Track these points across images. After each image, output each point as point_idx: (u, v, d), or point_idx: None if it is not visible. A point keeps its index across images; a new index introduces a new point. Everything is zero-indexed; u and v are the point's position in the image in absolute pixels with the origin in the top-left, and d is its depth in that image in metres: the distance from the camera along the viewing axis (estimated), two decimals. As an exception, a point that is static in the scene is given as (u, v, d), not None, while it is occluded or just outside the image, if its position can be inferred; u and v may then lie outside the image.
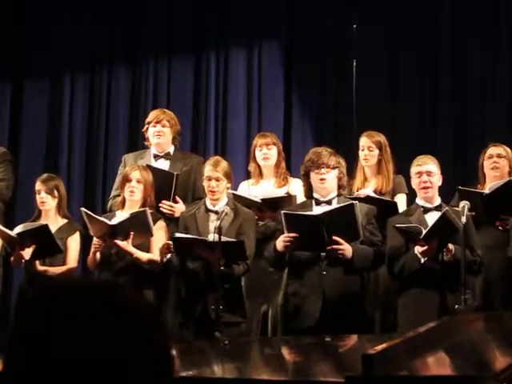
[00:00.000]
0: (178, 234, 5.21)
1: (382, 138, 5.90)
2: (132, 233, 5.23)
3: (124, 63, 8.10)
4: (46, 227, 5.51)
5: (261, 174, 5.97)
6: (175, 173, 5.68)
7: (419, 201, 5.23)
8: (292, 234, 4.86)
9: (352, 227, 4.86)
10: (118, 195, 5.64)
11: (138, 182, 5.42)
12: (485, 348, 3.28)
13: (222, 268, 4.94)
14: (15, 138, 8.08)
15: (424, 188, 5.17)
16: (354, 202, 4.96)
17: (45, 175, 5.97)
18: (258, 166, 5.96)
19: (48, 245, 5.51)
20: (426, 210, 5.16)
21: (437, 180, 5.22)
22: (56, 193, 5.78)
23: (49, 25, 8.15)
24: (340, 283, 4.96)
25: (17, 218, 6.90)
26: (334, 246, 4.85)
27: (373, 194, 5.65)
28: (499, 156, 5.76)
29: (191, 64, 7.94)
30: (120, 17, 8.13)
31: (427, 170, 5.19)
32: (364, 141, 5.88)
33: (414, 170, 5.26)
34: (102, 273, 5.45)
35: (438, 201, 5.22)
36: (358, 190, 5.75)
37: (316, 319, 4.88)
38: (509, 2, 7.20)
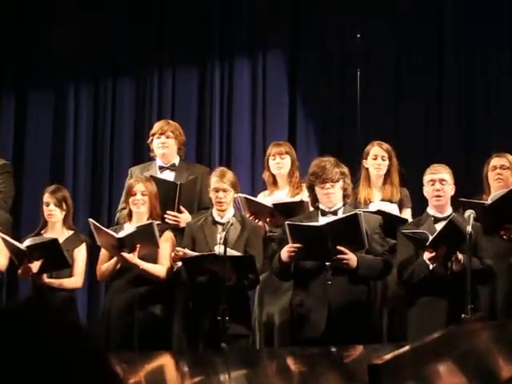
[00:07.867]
0: (187, 251, 5.21)
1: (389, 147, 5.91)
2: (138, 245, 5.24)
3: (128, 74, 8.11)
4: (55, 242, 5.46)
5: (274, 183, 5.96)
6: (178, 182, 5.69)
7: (430, 210, 5.20)
8: (296, 245, 4.85)
9: (356, 237, 4.85)
10: (125, 208, 5.65)
11: (143, 194, 5.43)
12: (491, 357, 3.27)
13: (232, 282, 4.97)
14: (20, 151, 8.07)
15: (437, 196, 5.15)
16: (357, 211, 4.95)
17: (53, 186, 5.88)
18: (272, 175, 5.94)
19: (57, 259, 5.47)
20: (437, 220, 5.12)
21: (449, 189, 5.19)
22: (64, 205, 5.73)
23: (52, 36, 8.15)
24: (345, 293, 4.95)
25: (22, 230, 6.90)
26: (339, 256, 4.85)
27: (384, 209, 5.60)
28: (503, 167, 5.73)
29: (195, 74, 7.94)
30: (123, 28, 8.14)
31: (440, 178, 5.16)
32: (377, 150, 5.87)
33: (427, 177, 5.22)
34: (111, 284, 5.48)
35: (449, 211, 5.18)
36: (364, 201, 5.73)
37: (322, 330, 4.88)
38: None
